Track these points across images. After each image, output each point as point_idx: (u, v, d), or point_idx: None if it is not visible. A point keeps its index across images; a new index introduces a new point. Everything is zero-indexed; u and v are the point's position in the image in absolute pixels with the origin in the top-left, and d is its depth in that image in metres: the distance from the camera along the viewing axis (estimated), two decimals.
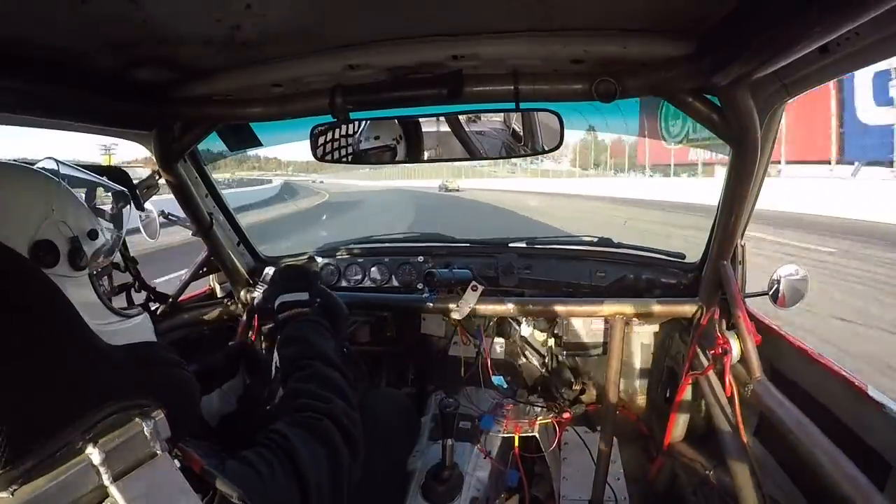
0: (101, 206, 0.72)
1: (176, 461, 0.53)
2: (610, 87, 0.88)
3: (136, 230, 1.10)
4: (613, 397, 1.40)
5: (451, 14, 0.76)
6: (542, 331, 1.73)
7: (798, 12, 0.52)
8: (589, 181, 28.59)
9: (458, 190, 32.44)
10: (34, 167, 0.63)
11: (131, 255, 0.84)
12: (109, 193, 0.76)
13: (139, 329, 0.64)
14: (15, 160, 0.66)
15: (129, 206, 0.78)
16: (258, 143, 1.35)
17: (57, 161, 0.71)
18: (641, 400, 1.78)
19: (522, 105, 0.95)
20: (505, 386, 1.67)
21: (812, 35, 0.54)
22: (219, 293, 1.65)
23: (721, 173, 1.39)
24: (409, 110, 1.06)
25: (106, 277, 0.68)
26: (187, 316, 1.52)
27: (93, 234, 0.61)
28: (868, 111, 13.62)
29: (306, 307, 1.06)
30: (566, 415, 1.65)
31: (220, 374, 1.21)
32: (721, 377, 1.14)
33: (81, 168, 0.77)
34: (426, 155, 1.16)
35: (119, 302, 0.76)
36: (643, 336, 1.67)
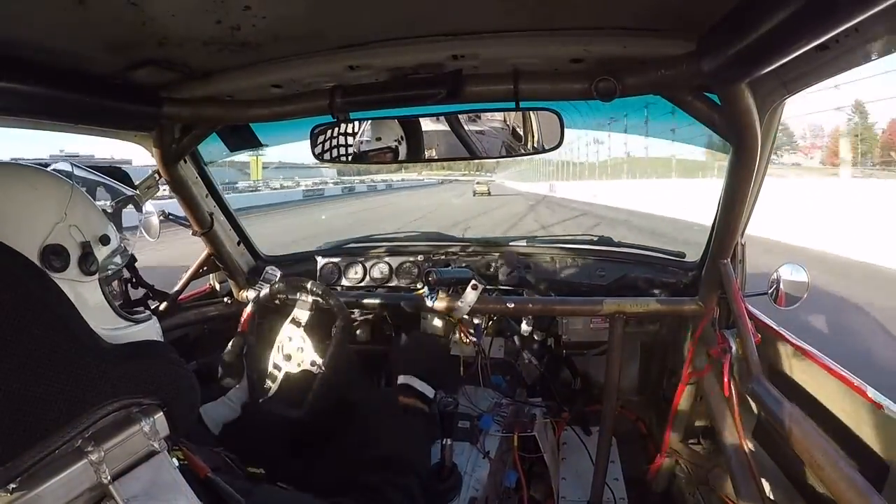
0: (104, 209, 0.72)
1: (175, 459, 0.53)
2: (610, 86, 0.87)
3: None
4: (612, 397, 1.40)
5: (451, 14, 0.76)
6: (541, 330, 1.73)
7: (797, 10, 0.52)
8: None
9: (487, 194, 27.23)
10: (48, 170, 0.63)
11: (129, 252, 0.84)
12: (110, 194, 0.76)
13: (146, 333, 0.64)
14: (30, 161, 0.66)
15: (129, 206, 0.78)
16: (258, 144, 1.36)
17: (72, 164, 0.71)
18: (641, 400, 1.78)
19: (522, 104, 0.95)
20: (504, 385, 1.67)
21: (811, 33, 0.54)
22: (219, 292, 1.65)
23: None
24: (409, 110, 1.06)
25: (116, 281, 0.68)
26: (187, 314, 1.53)
27: (105, 240, 0.60)
28: None
29: (426, 403, 1.10)
30: (565, 415, 1.65)
31: (226, 374, 1.23)
32: (720, 377, 1.14)
33: (89, 169, 0.77)
34: (427, 155, 1.16)
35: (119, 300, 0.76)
36: (643, 335, 1.67)
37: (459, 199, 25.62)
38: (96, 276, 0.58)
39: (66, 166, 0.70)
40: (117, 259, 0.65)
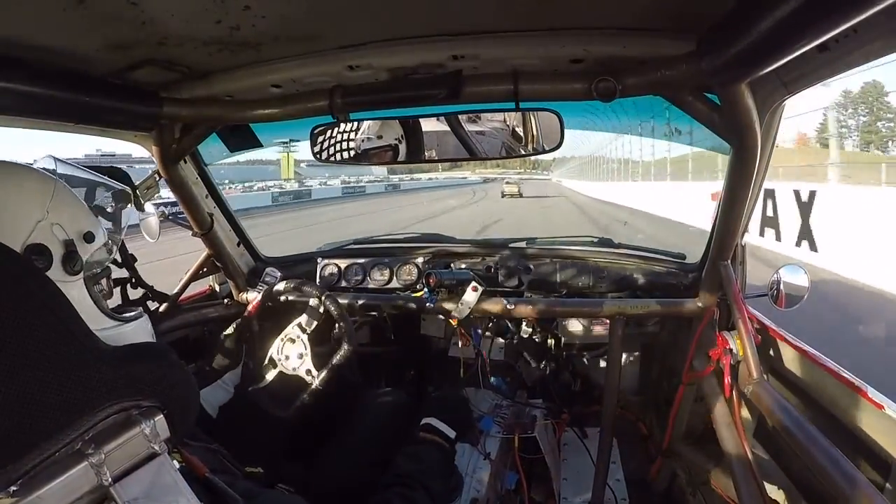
0: (101, 206, 0.72)
1: (175, 461, 0.53)
2: (610, 87, 0.87)
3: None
4: (613, 398, 1.40)
5: (451, 14, 0.76)
6: (541, 331, 1.73)
7: (798, 11, 0.52)
8: None
9: (518, 195, 22.96)
10: (31, 166, 0.62)
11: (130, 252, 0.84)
12: (110, 193, 0.76)
13: (137, 333, 0.63)
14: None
15: (129, 206, 0.78)
16: (258, 144, 1.35)
17: (56, 159, 0.70)
18: (641, 401, 1.77)
19: (522, 105, 0.95)
20: (504, 387, 1.67)
21: (812, 33, 0.54)
22: (219, 293, 1.65)
23: None
24: (409, 110, 1.06)
25: (104, 280, 0.67)
26: (187, 316, 1.52)
27: (89, 237, 0.59)
28: None
29: (446, 443, 1.11)
30: (565, 416, 1.65)
31: (223, 355, 1.26)
32: (720, 378, 1.14)
33: (83, 167, 0.76)
34: (426, 155, 1.15)
35: (115, 299, 0.75)
36: (643, 337, 1.67)
37: (475, 206, 20.48)
38: (81, 275, 0.58)
39: (49, 163, 0.69)
40: (104, 257, 0.64)
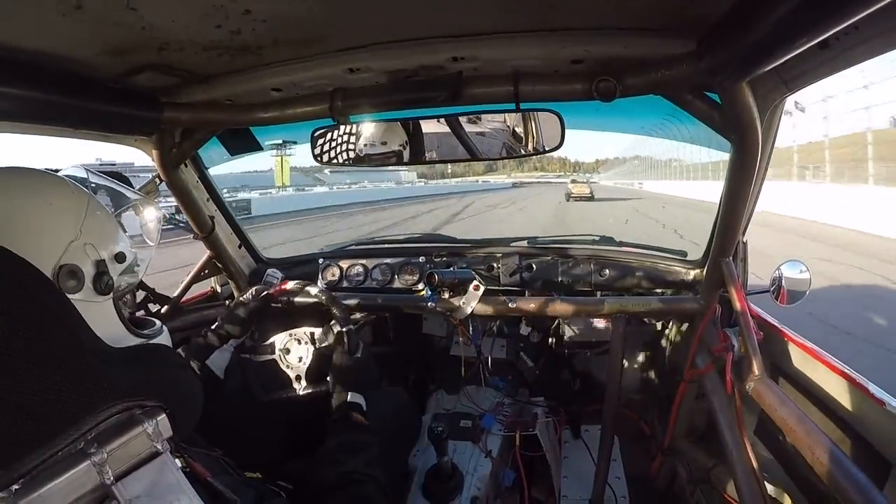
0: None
1: (178, 461, 0.53)
2: (610, 87, 0.87)
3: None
4: (614, 396, 1.40)
5: (451, 15, 0.76)
6: (543, 330, 1.73)
7: (797, 8, 0.52)
8: None
9: (590, 198, 20.65)
10: (65, 177, 0.60)
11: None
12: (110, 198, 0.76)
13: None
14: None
15: (130, 212, 0.78)
16: (259, 148, 1.36)
17: (87, 169, 0.69)
18: (642, 399, 1.78)
19: (523, 105, 0.95)
20: (505, 385, 1.67)
21: (812, 31, 0.54)
22: (220, 294, 1.66)
23: None
24: (410, 112, 1.06)
25: (129, 295, 0.67)
26: (189, 318, 1.53)
27: (120, 257, 0.59)
28: None
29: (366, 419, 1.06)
30: (566, 414, 1.65)
31: (232, 331, 1.27)
32: (722, 375, 1.14)
33: (105, 175, 0.75)
34: (427, 157, 1.15)
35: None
36: (644, 335, 1.67)
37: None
38: (110, 295, 0.57)
39: (80, 173, 0.68)
40: (132, 275, 0.64)
